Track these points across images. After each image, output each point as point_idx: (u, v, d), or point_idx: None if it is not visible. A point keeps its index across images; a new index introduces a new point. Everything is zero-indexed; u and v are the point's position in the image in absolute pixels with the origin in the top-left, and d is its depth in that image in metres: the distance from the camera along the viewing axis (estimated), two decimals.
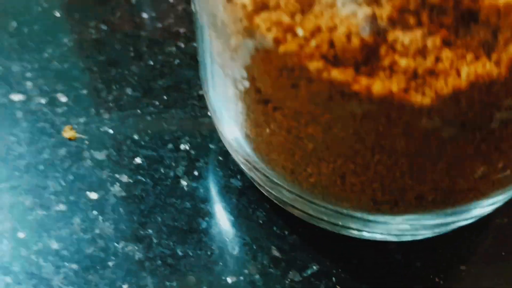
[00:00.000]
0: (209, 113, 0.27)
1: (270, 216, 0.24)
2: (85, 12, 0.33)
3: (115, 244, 0.23)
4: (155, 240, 0.23)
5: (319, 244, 0.24)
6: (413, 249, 0.23)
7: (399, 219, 0.21)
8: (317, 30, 0.16)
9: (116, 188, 0.25)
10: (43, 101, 0.28)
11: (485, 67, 0.15)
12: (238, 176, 0.26)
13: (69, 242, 0.23)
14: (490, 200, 0.21)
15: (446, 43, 0.15)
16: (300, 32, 0.16)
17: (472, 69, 0.15)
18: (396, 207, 0.20)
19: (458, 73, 0.15)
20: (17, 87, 0.29)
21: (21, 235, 0.23)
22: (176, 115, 0.28)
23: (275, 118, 0.19)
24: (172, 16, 0.33)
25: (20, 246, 0.23)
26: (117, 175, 0.25)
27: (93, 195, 0.25)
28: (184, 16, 0.33)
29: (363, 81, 0.16)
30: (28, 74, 0.29)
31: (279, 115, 0.19)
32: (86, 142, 0.27)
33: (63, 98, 0.28)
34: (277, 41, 0.16)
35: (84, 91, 0.29)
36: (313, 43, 0.16)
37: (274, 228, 0.24)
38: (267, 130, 0.20)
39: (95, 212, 0.24)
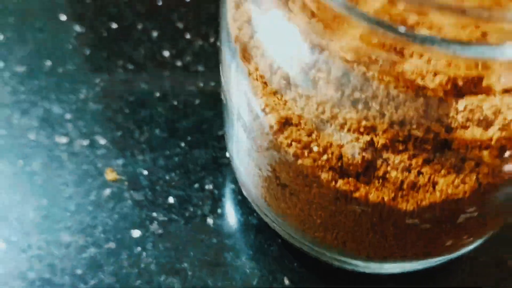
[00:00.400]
0: (227, 154, 0.31)
1: (282, 251, 0.30)
2: (112, 49, 0.36)
3: (158, 277, 0.29)
4: (189, 273, 0.29)
5: (324, 275, 0.29)
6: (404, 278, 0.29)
7: (388, 265, 0.27)
8: (328, 147, 0.21)
9: (154, 226, 0.30)
10: (84, 143, 0.33)
11: (454, 188, 0.20)
12: (255, 214, 0.31)
13: (120, 277, 0.28)
14: (463, 250, 0.27)
15: (426, 162, 0.20)
16: (315, 148, 0.21)
17: (445, 187, 0.20)
18: (385, 261, 0.26)
19: (434, 188, 0.20)
20: (59, 129, 0.33)
21: (78, 271, 0.29)
22: (199, 155, 0.33)
23: (291, 199, 0.24)
24: (190, 53, 0.37)
25: (80, 282, 0.28)
26: (154, 214, 0.30)
27: (136, 233, 0.30)
28: (201, 53, 0.37)
29: (362, 190, 0.21)
30: (68, 116, 0.33)
31: (295, 198, 0.24)
32: (126, 183, 0.31)
33: (102, 141, 0.33)
34: (296, 156, 0.21)
35: (119, 133, 0.33)
36: (324, 157, 0.21)
37: (286, 261, 0.29)
38: (282, 204, 0.25)
39: (139, 249, 0.29)
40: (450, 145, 0.20)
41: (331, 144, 0.21)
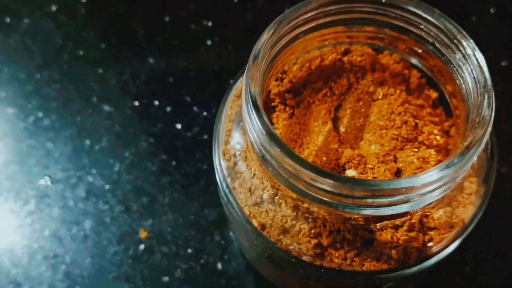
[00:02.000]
0: None
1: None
2: (136, 126, 0.46)
3: None
4: None
5: None
6: None
7: None
8: (289, 244, 0.31)
9: (178, 273, 0.41)
10: (122, 208, 0.43)
11: (376, 268, 0.30)
12: None
13: None
14: None
15: (357, 254, 0.30)
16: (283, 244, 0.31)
17: (369, 268, 0.30)
18: None
19: (363, 269, 0.30)
20: (102, 198, 0.43)
21: None
22: (209, 213, 0.43)
23: (271, 269, 0.34)
24: (197, 125, 0.46)
25: None
26: (177, 263, 0.41)
27: (165, 279, 0.41)
28: (205, 123, 0.47)
29: (315, 273, 0.31)
30: (107, 187, 0.44)
31: (275, 270, 0.34)
32: (155, 239, 0.42)
33: (134, 206, 0.43)
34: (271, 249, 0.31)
35: (147, 198, 0.43)
36: (290, 249, 0.31)
37: None
38: (266, 270, 0.35)
39: None
40: (372, 242, 0.30)
41: (293, 242, 0.31)
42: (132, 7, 0.52)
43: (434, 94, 0.34)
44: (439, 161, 0.30)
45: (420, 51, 0.32)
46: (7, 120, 0.47)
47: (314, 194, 0.26)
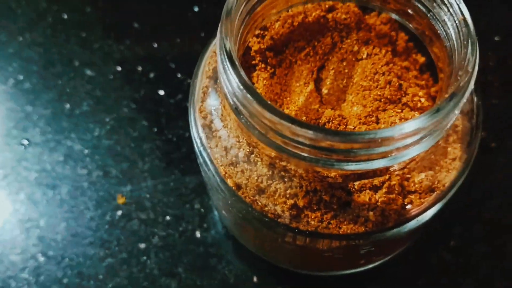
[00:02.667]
0: None
1: (252, 257, 0.39)
2: (118, 91, 0.45)
3: (159, 279, 0.38)
4: (183, 276, 0.39)
5: (284, 276, 0.38)
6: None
7: (328, 273, 0.36)
8: (265, 205, 0.30)
9: (156, 240, 0.40)
10: (100, 173, 0.42)
11: (352, 231, 0.29)
12: None
13: (131, 280, 0.38)
14: (377, 262, 0.36)
15: (334, 217, 0.29)
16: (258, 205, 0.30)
17: (346, 231, 0.29)
18: (324, 272, 0.35)
19: (339, 232, 0.29)
20: (80, 163, 0.42)
21: (100, 276, 0.38)
22: (190, 181, 0.42)
23: (249, 234, 0.33)
24: (181, 91, 0.45)
25: (102, 284, 0.38)
26: (155, 230, 0.40)
27: (142, 245, 0.40)
28: (189, 90, 0.45)
29: (289, 235, 0.30)
30: (86, 151, 0.43)
31: (250, 235, 0.33)
32: (133, 205, 0.41)
33: (113, 171, 0.42)
34: (246, 208, 0.30)
35: (126, 164, 0.42)
36: (266, 209, 0.30)
37: (255, 264, 0.39)
38: (244, 235, 0.34)
39: (144, 258, 0.39)
40: (350, 204, 0.29)
41: (269, 203, 0.30)
42: None
43: (421, 59, 0.33)
44: None
45: (409, 10, 0.31)
46: None
47: (291, 149, 0.25)
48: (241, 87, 0.25)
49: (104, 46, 0.47)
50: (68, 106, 0.44)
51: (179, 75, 0.46)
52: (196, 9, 0.49)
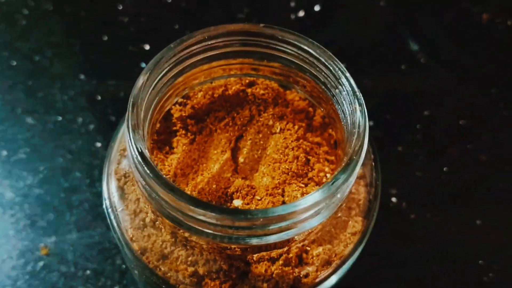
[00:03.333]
0: None
1: None
2: (56, 140, 0.46)
3: None
4: None
5: None
6: None
7: None
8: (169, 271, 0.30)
9: None
10: (28, 222, 0.42)
11: None
12: None
13: None
14: None
15: (232, 286, 0.29)
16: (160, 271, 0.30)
17: None
18: None
19: None
20: (9, 211, 0.43)
21: None
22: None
23: None
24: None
25: None
26: (74, 283, 0.40)
27: None
28: None
29: None
30: (17, 199, 0.43)
31: None
32: (55, 257, 0.41)
33: (40, 221, 0.42)
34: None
35: (54, 215, 0.43)
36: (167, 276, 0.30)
37: None
38: None
39: None
40: (248, 274, 0.29)
41: (171, 269, 0.30)
42: (72, 23, 0.52)
43: (336, 135, 0.35)
44: None
45: (314, 91, 0.33)
46: None
47: (189, 223, 0.26)
48: (139, 158, 0.26)
49: (48, 95, 0.48)
50: (4, 152, 0.45)
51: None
52: (143, 65, 0.50)
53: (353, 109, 0.28)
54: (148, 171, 0.25)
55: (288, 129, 0.33)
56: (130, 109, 0.27)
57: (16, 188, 0.43)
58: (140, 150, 0.26)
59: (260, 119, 0.34)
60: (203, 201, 0.27)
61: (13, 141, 0.46)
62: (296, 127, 0.33)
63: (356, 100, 0.28)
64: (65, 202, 0.43)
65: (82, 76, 0.49)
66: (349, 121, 0.29)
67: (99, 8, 0.54)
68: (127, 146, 0.27)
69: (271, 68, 0.34)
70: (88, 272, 0.40)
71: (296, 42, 0.30)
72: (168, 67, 0.30)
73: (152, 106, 0.30)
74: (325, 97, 0.31)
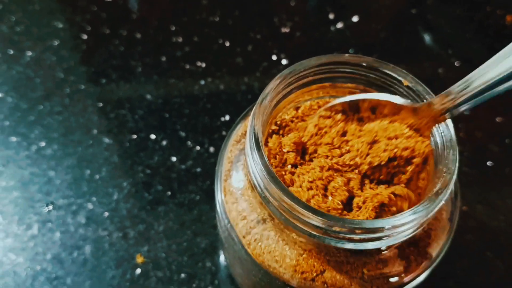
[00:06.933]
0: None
1: None
2: (133, 157, 0.50)
3: None
4: None
5: None
6: None
7: None
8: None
9: None
10: (120, 234, 0.46)
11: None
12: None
13: None
14: None
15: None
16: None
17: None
18: None
19: None
20: (101, 225, 0.47)
21: None
22: (201, 241, 0.47)
23: None
24: (191, 158, 0.50)
25: None
26: (171, 287, 0.45)
27: None
28: (198, 157, 0.50)
29: None
30: (106, 214, 0.47)
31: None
32: (151, 264, 0.45)
33: (131, 232, 0.46)
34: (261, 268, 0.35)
35: (143, 226, 0.47)
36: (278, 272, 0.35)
37: None
38: None
39: None
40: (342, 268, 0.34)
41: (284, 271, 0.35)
42: (131, 46, 0.56)
43: None
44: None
45: None
46: (10, 148, 0.50)
47: (304, 228, 0.31)
48: (264, 171, 0.30)
49: (119, 116, 0.52)
50: (88, 171, 0.49)
51: (189, 143, 0.51)
52: (202, 82, 0.54)
53: (445, 145, 0.32)
54: (277, 188, 0.30)
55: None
56: (258, 107, 0.31)
57: (104, 203, 0.47)
58: (269, 169, 0.30)
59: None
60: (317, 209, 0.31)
61: (93, 160, 0.50)
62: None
63: (450, 142, 0.32)
64: (152, 214, 0.47)
65: (148, 96, 0.53)
66: (436, 138, 0.33)
67: (152, 30, 0.58)
68: (249, 156, 0.31)
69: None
70: (182, 275, 0.45)
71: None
72: (286, 84, 0.34)
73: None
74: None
